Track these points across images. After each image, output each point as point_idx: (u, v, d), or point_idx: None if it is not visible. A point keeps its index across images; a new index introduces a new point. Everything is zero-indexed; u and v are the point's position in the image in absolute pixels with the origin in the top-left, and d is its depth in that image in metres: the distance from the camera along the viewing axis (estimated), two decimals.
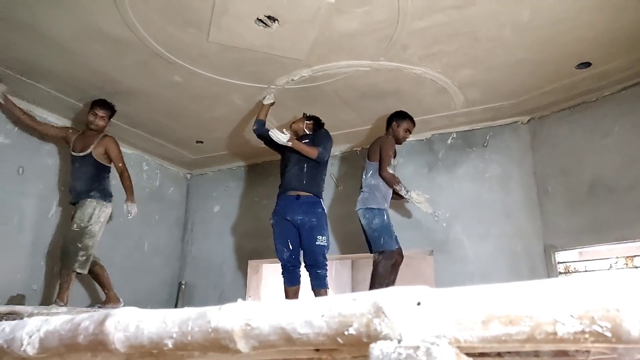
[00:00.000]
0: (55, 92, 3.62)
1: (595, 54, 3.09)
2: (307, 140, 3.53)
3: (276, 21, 2.76)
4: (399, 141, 3.68)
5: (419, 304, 0.61)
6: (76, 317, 0.87)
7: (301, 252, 3.45)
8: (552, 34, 2.87)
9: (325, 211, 3.53)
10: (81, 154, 3.52)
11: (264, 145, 3.77)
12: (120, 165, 3.62)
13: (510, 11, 2.66)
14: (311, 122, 3.69)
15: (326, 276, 3.38)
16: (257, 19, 2.74)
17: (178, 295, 4.99)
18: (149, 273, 4.76)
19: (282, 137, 3.30)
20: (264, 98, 3.65)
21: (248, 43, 2.99)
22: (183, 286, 5.03)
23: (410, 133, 3.73)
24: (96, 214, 3.38)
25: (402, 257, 3.48)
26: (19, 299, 3.44)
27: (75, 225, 3.32)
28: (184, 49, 3.07)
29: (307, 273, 3.40)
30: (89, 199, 3.39)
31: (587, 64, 3.20)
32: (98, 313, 0.85)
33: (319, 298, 0.70)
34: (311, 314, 0.66)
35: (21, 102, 3.72)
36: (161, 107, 3.91)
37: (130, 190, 3.64)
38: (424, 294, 0.62)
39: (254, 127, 3.71)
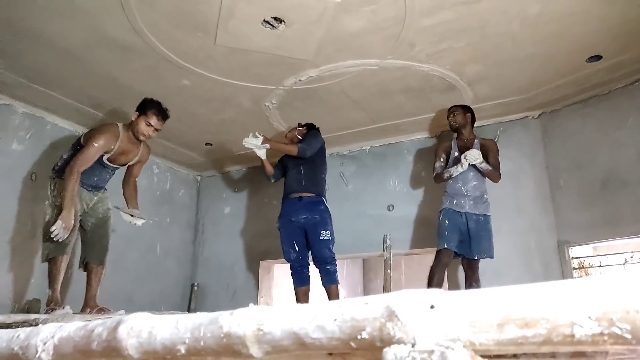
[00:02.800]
0: (67, 98, 3.66)
1: (606, 47, 3.04)
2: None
3: (283, 22, 2.76)
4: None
5: (432, 307, 0.60)
6: (90, 323, 0.87)
7: (309, 252, 3.48)
8: (562, 27, 2.83)
9: (329, 209, 3.56)
10: (117, 167, 3.28)
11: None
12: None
13: (519, 5, 2.63)
14: (304, 127, 3.75)
15: (336, 271, 3.42)
16: (264, 20, 2.74)
17: (191, 297, 5.02)
18: (162, 275, 4.79)
19: (255, 141, 3.42)
20: (259, 150, 3.56)
21: (255, 45, 2.99)
22: (195, 287, 5.06)
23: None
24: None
25: (449, 257, 3.29)
26: (34, 303, 3.48)
27: (105, 217, 3.27)
28: (191, 53, 3.08)
29: (317, 270, 3.43)
30: (106, 192, 3.34)
31: (598, 57, 3.16)
32: (111, 319, 0.85)
33: (331, 302, 0.70)
34: (323, 318, 0.66)
35: (35, 110, 3.78)
36: (170, 110, 3.92)
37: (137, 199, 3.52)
38: (437, 297, 0.61)
39: (272, 181, 3.85)
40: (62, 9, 2.61)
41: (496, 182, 3.46)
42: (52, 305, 2.88)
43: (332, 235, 3.45)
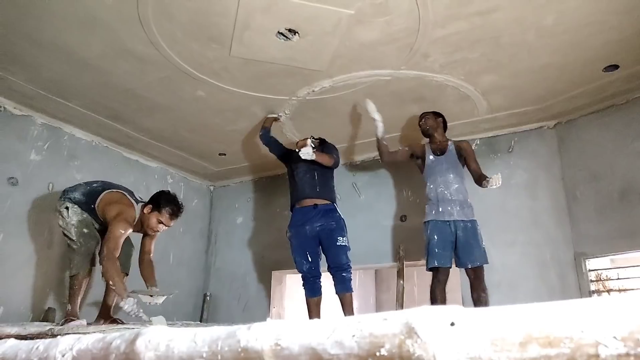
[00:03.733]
0: (84, 109, 3.72)
1: (623, 56, 3.01)
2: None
3: (297, 34, 2.78)
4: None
5: (452, 324, 0.60)
6: (107, 336, 0.88)
7: (321, 260, 3.45)
8: (577, 37, 2.81)
9: (342, 216, 3.52)
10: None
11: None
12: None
13: (534, 16, 2.62)
14: (317, 140, 3.75)
15: (351, 279, 3.36)
16: (278, 32, 2.77)
17: (203, 307, 5.03)
18: (175, 285, 4.80)
19: (310, 152, 3.35)
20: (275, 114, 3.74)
21: (269, 56, 3.01)
22: (208, 297, 5.07)
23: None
24: None
25: (446, 274, 3.22)
26: (50, 313, 3.52)
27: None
28: (207, 64, 3.12)
29: (331, 277, 3.38)
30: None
31: (615, 67, 3.12)
32: (129, 332, 0.85)
33: (349, 317, 0.69)
34: (342, 334, 0.66)
35: (52, 121, 3.85)
36: (185, 121, 3.97)
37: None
38: (458, 314, 0.61)
39: (260, 133, 3.86)
40: (81, 21, 2.67)
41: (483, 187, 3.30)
42: (70, 317, 2.87)
43: (348, 242, 3.42)
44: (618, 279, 3.56)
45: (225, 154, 4.72)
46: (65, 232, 3.01)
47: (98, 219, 3.07)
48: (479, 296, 3.21)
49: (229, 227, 5.30)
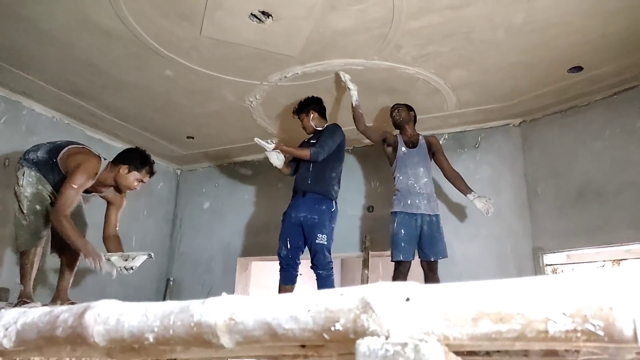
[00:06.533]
0: (45, 83, 3.57)
1: (587, 59, 3.11)
2: (314, 140, 3.41)
3: (270, 17, 2.74)
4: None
5: (407, 299, 0.60)
6: (55, 309, 0.84)
7: (302, 253, 3.35)
8: (545, 37, 2.87)
9: (333, 209, 3.35)
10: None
11: (253, 142, 3.66)
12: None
13: (505, 13, 2.67)
14: (308, 113, 3.49)
15: (329, 277, 3.26)
16: (251, 14, 2.71)
17: (166, 292, 4.95)
18: (137, 269, 4.70)
19: (267, 146, 3.30)
20: (271, 155, 3.40)
21: (241, 38, 2.96)
22: (171, 282, 4.99)
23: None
24: None
25: (408, 267, 3.29)
26: (3, 293, 3.37)
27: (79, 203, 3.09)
28: (176, 43, 3.04)
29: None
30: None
31: (579, 68, 3.22)
32: (77, 306, 0.82)
33: (305, 292, 0.69)
34: (297, 308, 0.65)
35: (10, 94, 3.67)
36: (152, 101, 3.87)
37: None
38: (413, 290, 0.61)
39: (292, 176, 3.61)
40: None
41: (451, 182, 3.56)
42: (23, 299, 2.76)
43: (329, 238, 3.28)
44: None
45: (193, 137, 4.63)
46: (18, 200, 2.85)
47: (58, 177, 2.86)
48: None
49: (195, 212, 5.22)
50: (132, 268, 2.96)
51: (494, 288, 0.58)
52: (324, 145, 3.32)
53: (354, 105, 3.42)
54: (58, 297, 3.03)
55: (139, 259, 2.97)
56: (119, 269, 2.92)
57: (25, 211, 2.81)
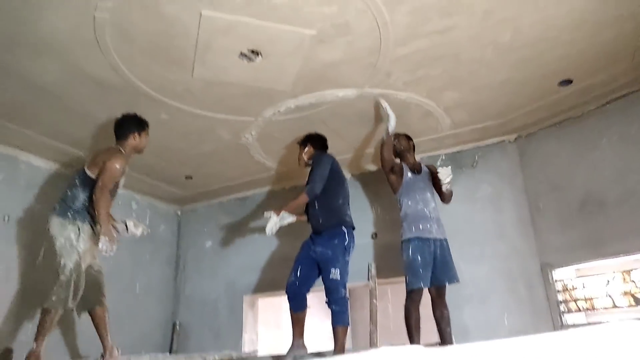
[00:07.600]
0: (42, 136, 3.59)
1: (576, 71, 3.14)
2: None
3: (259, 55, 2.78)
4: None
5: None
6: None
7: (312, 285, 3.25)
8: (533, 53, 2.91)
9: (346, 238, 3.21)
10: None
11: (252, 178, 3.63)
12: None
13: (492, 33, 2.71)
14: (305, 146, 3.50)
15: (341, 312, 3.11)
16: (241, 53, 2.75)
17: (172, 337, 4.85)
18: (142, 315, 4.63)
19: (272, 222, 3.19)
20: (283, 221, 3.26)
21: (233, 77, 2.99)
22: (177, 327, 4.89)
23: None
24: None
25: (421, 294, 3.20)
26: (6, 354, 3.30)
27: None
28: (169, 87, 3.07)
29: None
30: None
31: (569, 81, 3.25)
32: None
33: None
34: None
35: (7, 149, 3.69)
36: (149, 145, 3.84)
37: None
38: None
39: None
40: (36, 44, 2.58)
41: (447, 203, 3.54)
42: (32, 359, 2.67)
43: (343, 273, 3.14)
44: (584, 287, 3.63)
45: (191, 177, 4.63)
46: (60, 255, 2.77)
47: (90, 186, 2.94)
48: (442, 313, 3.25)
49: (198, 252, 5.16)
50: (134, 234, 3.30)
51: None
52: (314, 177, 3.26)
53: (390, 133, 3.39)
54: (106, 350, 3.02)
55: (140, 229, 3.34)
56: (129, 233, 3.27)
57: (72, 266, 2.77)
